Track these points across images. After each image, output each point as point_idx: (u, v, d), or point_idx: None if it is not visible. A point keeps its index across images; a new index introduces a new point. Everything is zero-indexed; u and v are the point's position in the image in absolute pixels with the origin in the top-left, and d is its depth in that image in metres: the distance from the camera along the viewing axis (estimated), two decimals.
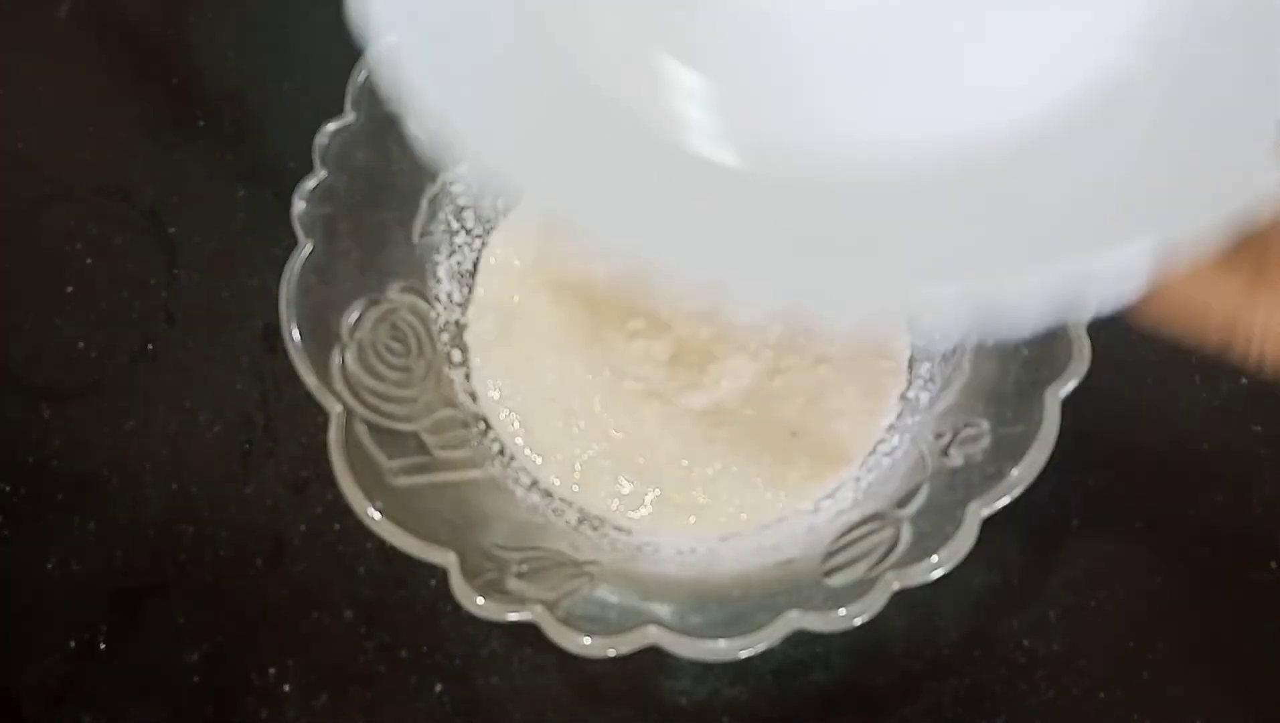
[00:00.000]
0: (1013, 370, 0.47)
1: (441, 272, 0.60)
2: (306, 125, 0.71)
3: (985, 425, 0.47)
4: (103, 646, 0.59)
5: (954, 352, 0.53)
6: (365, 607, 0.58)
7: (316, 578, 0.59)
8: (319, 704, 0.56)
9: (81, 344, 0.67)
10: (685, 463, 0.57)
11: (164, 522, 0.61)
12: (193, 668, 0.58)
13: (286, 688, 0.57)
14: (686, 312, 0.60)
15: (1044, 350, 0.45)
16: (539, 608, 0.41)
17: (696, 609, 0.45)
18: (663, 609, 0.44)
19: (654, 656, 0.41)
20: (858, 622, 0.40)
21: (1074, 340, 0.43)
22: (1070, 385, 0.43)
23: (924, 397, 0.55)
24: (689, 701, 0.54)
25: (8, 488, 0.64)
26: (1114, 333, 0.59)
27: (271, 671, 0.57)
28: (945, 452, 0.48)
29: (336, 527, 0.60)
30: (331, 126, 0.52)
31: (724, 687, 0.54)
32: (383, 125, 0.54)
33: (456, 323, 0.61)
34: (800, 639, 0.54)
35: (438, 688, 0.56)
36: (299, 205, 0.50)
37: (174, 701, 0.57)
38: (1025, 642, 0.54)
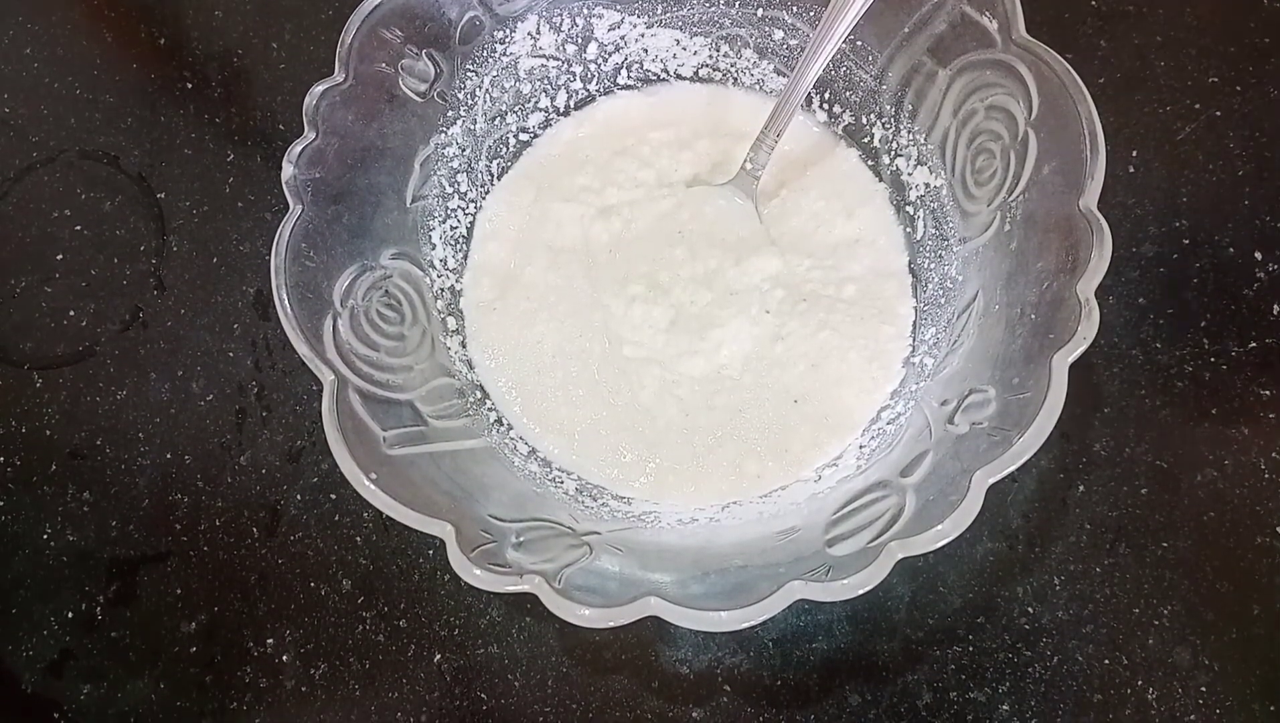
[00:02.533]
0: (1020, 335, 0.46)
1: (435, 237, 0.59)
2: (296, 86, 0.70)
3: (991, 392, 0.45)
4: (100, 616, 0.59)
5: (960, 316, 0.52)
6: (363, 577, 0.58)
7: (313, 548, 0.59)
8: (317, 674, 0.56)
9: (72, 312, 0.66)
10: (686, 430, 0.56)
11: (159, 492, 0.61)
12: (190, 638, 0.58)
13: (285, 658, 0.57)
14: (687, 276, 0.59)
15: (1052, 315, 0.44)
16: (537, 579, 0.40)
17: (698, 579, 0.44)
18: (663, 579, 0.44)
19: (655, 624, 0.40)
20: (861, 592, 0.39)
21: (1082, 305, 0.42)
22: (1079, 351, 0.41)
23: (929, 362, 0.54)
24: (690, 669, 0.54)
25: (1, 459, 0.63)
26: (1120, 296, 0.59)
27: (269, 640, 0.57)
28: (951, 419, 0.47)
29: (333, 496, 0.59)
30: (320, 87, 0.50)
31: (726, 656, 0.54)
32: (373, 85, 0.53)
33: (451, 289, 0.60)
34: (803, 607, 0.54)
35: (436, 658, 0.56)
36: (288, 170, 0.49)
37: (172, 670, 0.57)
38: (1030, 609, 0.53)
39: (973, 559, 0.54)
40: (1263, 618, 0.52)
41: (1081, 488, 0.55)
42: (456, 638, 0.56)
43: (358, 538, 0.58)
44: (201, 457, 0.61)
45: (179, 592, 0.59)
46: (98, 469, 0.62)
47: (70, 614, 0.59)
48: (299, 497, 0.60)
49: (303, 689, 0.56)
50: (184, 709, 0.56)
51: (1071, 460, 0.56)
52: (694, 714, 0.53)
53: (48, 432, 0.63)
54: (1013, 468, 0.40)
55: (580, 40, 0.62)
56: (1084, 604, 0.53)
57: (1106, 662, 0.52)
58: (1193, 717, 0.51)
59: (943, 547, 0.40)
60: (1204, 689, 0.51)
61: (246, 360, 0.63)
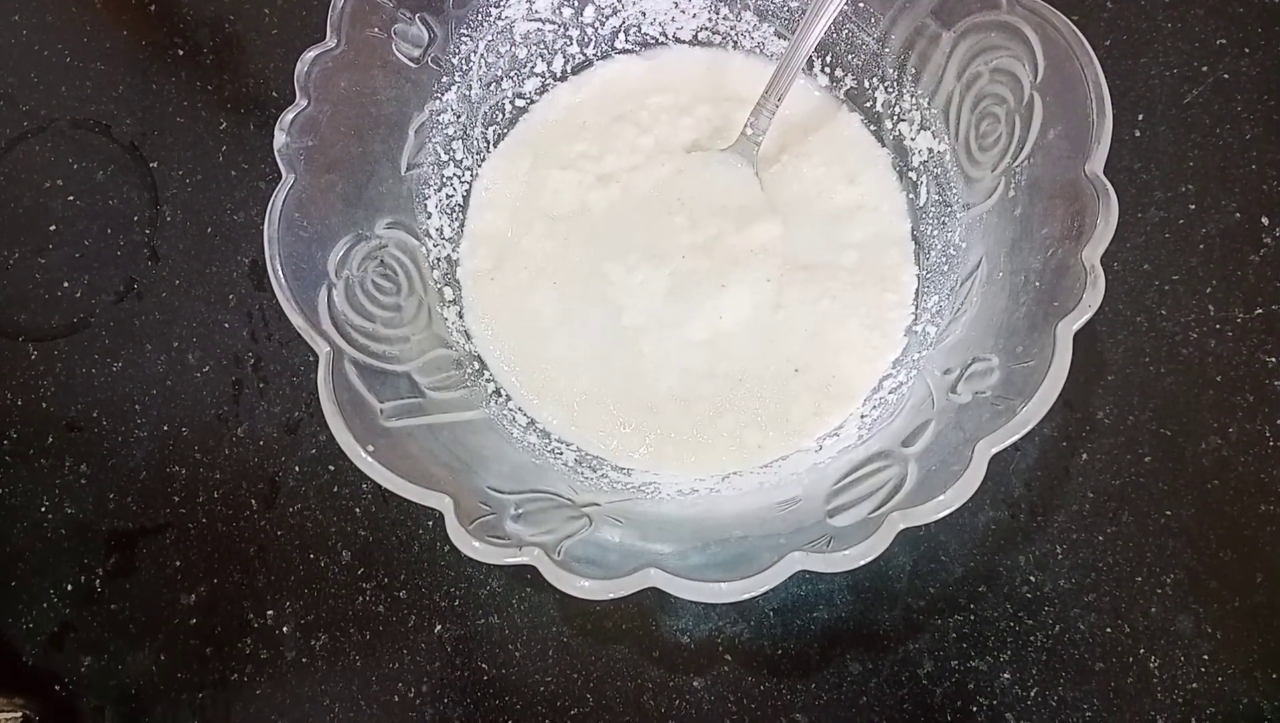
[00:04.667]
0: (1024, 303, 0.45)
1: (431, 205, 0.58)
2: (288, 53, 0.69)
3: (995, 361, 0.45)
4: (100, 589, 0.59)
5: (963, 284, 0.52)
6: (362, 548, 0.58)
7: (312, 520, 0.58)
8: (318, 645, 0.56)
9: (66, 283, 0.66)
10: (685, 400, 0.56)
11: (156, 464, 0.61)
12: (190, 610, 0.58)
13: (285, 629, 0.56)
14: (687, 243, 0.58)
15: (1056, 282, 0.43)
16: (537, 551, 0.40)
17: (698, 550, 0.44)
18: (664, 550, 0.43)
19: (655, 594, 0.40)
20: (862, 563, 0.39)
21: (1088, 271, 0.41)
22: (1084, 318, 0.41)
23: (931, 331, 0.53)
24: (691, 639, 0.54)
25: None
26: (1126, 262, 0.58)
27: (269, 612, 0.57)
28: (953, 388, 0.46)
29: (331, 468, 0.59)
30: (311, 53, 0.49)
31: (726, 625, 0.54)
32: (365, 51, 0.52)
33: (448, 259, 0.59)
34: (803, 577, 0.54)
35: (437, 628, 0.56)
36: (280, 137, 0.48)
37: (172, 642, 0.57)
38: (1032, 577, 0.53)
39: (974, 528, 0.54)
40: (1266, 586, 0.52)
41: (1084, 456, 0.55)
42: (457, 609, 0.56)
43: (357, 509, 0.58)
44: (199, 429, 0.61)
45: (178, 564, 0.59)
46: (94, 441, 0.62)
47: (70, 587, 0.59)
48: (297, 468, 0.59)
49: (303, 661, 0.56)
50: (184, 681, 0.56)
51: (1075, 428, 0.55)
52: (695, 684, 0.53)
53: (43, 404, 0.63)
54: (1016, 437, 0.40)
55: (577, 2, 0.61)
56: (1086, 573, 0.53)
57: (1108, 630, 0.52)
58: (1195, 685, 0.51)
59: (944, 516, 0.39)
60: (1206, 658, 0.51)
61: (242, 331, 0.63)
